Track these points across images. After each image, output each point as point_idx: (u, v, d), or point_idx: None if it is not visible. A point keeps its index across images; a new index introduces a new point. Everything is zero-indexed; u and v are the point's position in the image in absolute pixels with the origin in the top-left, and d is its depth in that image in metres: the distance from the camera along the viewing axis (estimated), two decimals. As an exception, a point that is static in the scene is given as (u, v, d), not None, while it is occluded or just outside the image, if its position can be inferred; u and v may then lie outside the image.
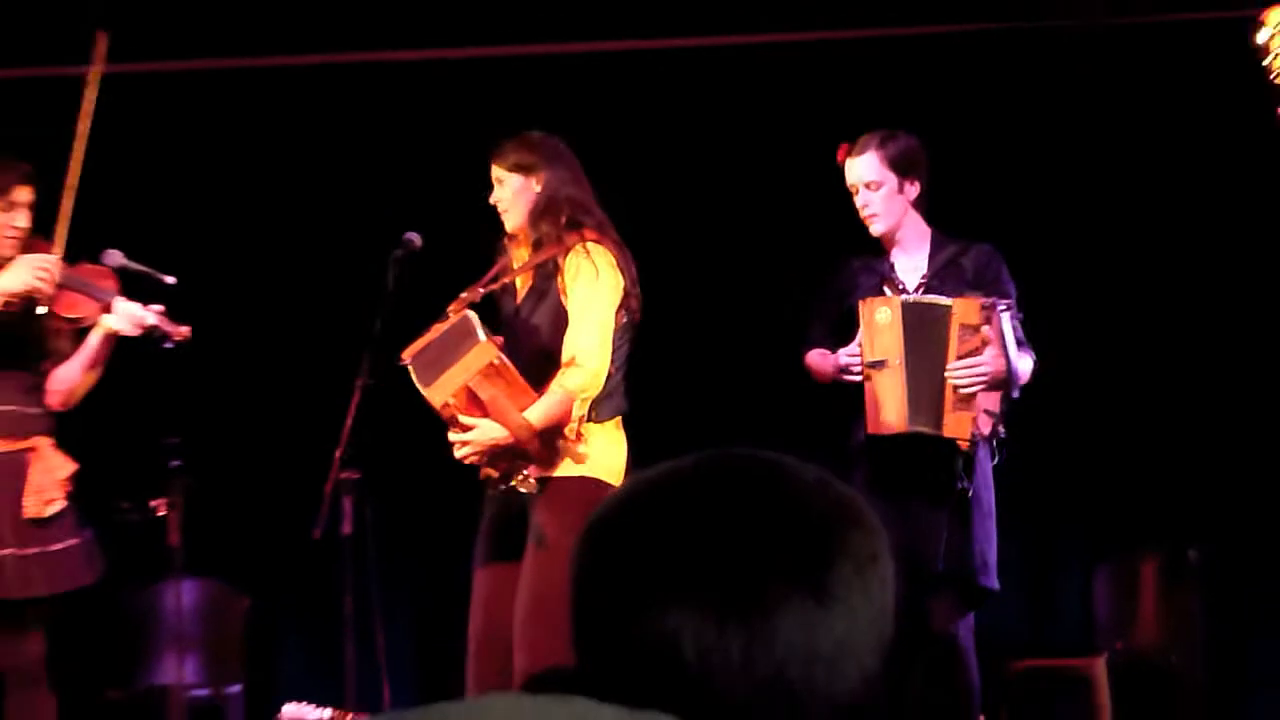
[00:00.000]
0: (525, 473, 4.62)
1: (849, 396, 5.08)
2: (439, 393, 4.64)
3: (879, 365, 4.90)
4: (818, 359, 5.15)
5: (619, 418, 4.71)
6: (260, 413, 6.38)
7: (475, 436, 4.59)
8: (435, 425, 4.69)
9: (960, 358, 4.84)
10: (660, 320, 4.87)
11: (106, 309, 5.07)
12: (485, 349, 4.57)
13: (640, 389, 4.80)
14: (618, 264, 4.71)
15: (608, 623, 1.21)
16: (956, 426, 4.87)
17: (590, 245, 4.67)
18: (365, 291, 4.93)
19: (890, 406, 4.93)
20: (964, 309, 4.86)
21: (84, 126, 5.12)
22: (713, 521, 1.20)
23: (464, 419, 4.59)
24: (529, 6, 6.40)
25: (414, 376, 4.72)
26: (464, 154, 5.08)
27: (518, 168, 4.76)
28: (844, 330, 5.09)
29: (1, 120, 5.66)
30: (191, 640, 6.22)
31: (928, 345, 4.90)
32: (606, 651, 1.21)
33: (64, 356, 5.13)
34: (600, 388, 4.63)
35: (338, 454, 4.94)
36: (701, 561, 1.18)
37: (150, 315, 5.06)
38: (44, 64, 5.94)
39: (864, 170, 5.01)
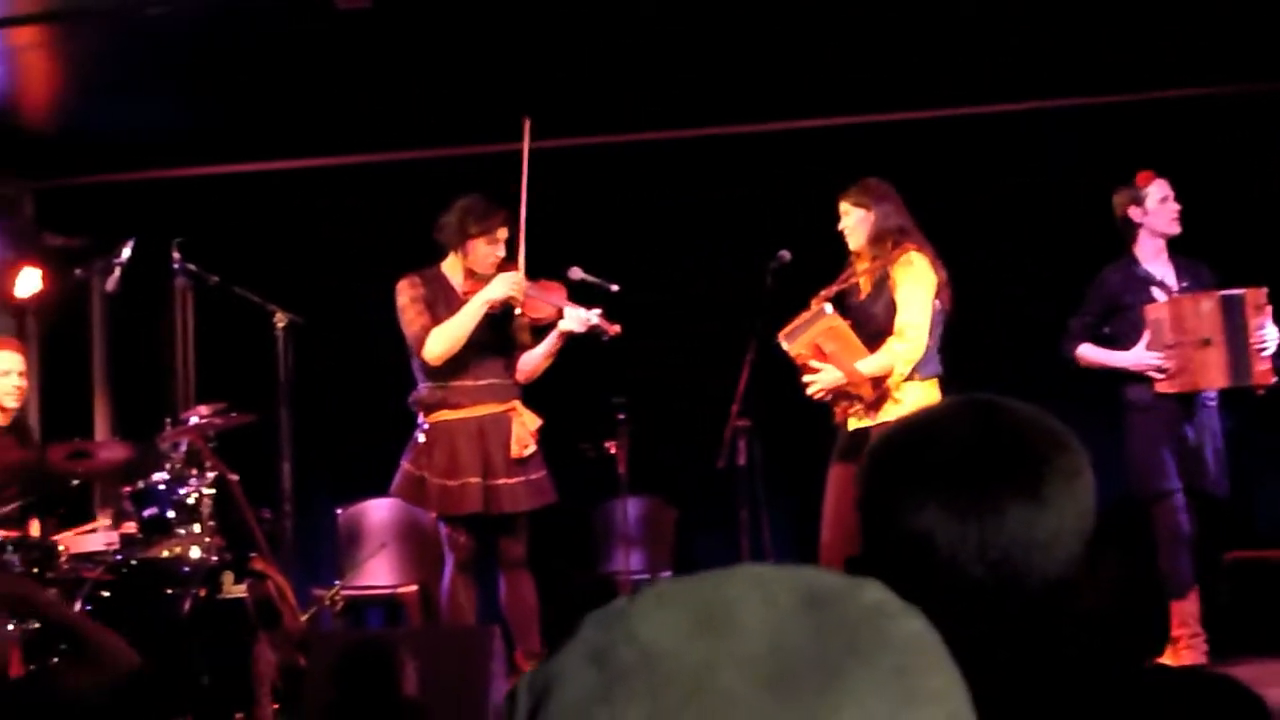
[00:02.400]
0: (858, 407, 5.26)
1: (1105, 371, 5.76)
2: (796, 346, 5.29)
3: (1207, 342, 5.52)
4: (1094, 353, 5.76)
5: (936, 379, 5.36)
6: (679, 380, 6.95)
7: (820, 378, 5.25)
8: (800, 389, 5.38)
9: (1255, 330, 5.53)
10: (961, 310, 5.50)
11: (560, 313, 5.70)
12: (830, 318, 5.27)
13: (950, 357, 5.44)
14: (934, 267, 5.37)
15: (883, 520, 1.34)
16: (1262, 377, 5.57)
17: (914, 255, 5.32)
18: (753, 293, 5.60)
19: (1215, 370, 5.55)
20: (1254, 296, 5.54)
21: (524, 185, 5.73)
22: (957, 446, 1.33)
23: (813, 363, 5.27)
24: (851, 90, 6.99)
25: (784, 345, 5.39)
26: (818, 200, 5.70)
27: (858, 204, 5.42)
28: (1102, 320, 5.79)
29: (460, 183, 5.94)
30: (635, 539, 6.94)
31: (1237, 323, 5.55)
32: (883, 541, 1.34)
33: (529, 346, 5.81)
34: (920, 355, 5.26)
35: (734, 408, 5.67)
36: (949, 475, 1.32)
37: (593, 317, 5.65)
38: (494, 141, 6.44)
39: (1167, 189, 5.69)
